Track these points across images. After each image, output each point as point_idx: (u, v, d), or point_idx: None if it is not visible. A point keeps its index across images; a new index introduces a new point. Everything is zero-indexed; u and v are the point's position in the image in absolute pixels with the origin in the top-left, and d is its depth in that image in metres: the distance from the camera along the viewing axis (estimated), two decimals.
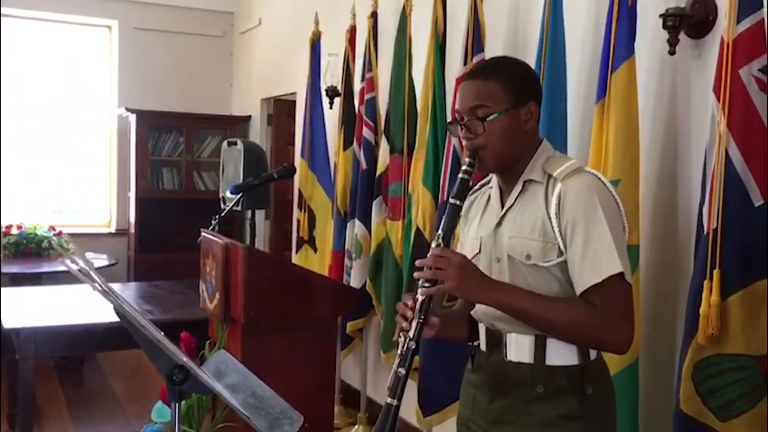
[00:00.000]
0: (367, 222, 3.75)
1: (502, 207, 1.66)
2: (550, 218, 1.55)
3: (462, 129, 1.62)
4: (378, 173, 3.67)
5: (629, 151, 2.27)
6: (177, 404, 1.25)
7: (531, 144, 1.65)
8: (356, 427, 4.01)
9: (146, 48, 6.49)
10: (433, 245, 1.56)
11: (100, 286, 1.16)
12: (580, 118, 2.65)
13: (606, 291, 1.49)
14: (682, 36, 2.27)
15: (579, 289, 1.52)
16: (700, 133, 2.25)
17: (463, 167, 1.61)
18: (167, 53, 6.57)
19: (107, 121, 6.61)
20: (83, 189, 6.64)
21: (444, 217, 1.59)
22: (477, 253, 1.67)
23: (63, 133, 6.46)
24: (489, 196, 1.73)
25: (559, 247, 1.54)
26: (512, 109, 1.59)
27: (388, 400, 1.51)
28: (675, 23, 2.24)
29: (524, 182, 1.62)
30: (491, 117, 1.57)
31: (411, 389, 3.21)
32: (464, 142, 1.64)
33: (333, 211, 4.15)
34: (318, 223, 4.34)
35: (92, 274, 1.16)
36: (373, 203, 3.68)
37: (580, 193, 1.53)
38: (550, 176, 1.58)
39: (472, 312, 1.73)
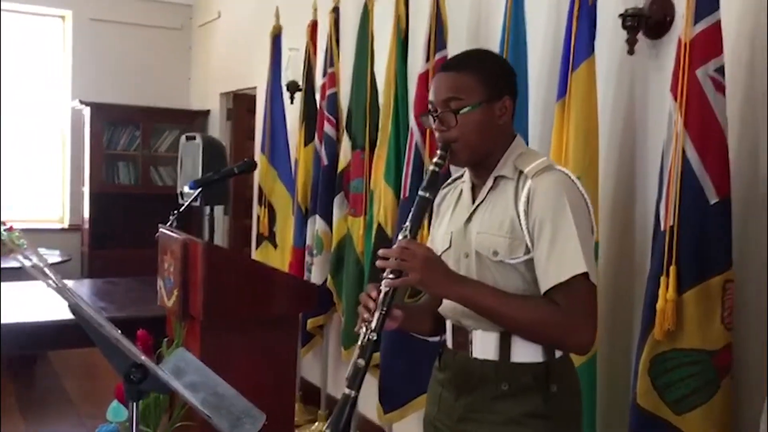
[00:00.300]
0: (328, 218, 3.73)
1: (473, 202, 1.64)
2: (518, 215, 1.54)
3: (435, 121, 1.59)
4: (339, 169, 3.66)
5: (589, 149, 2.29)
6: (135, 404, 1.22)
7: (504, 139, 1.63)
8: (316, 424, 3.99)
9: (102, 39, 6.35)
10: (400, 237, 1.53)
11: (55, 283, 1.13)
12: (541, 116, 2.68)
13: (570, 291, 1.49)
14: (640, 36, 2.30)
15: (543, 287, 1.52)
16: (658, 132, 2.29)
17: (434, 159, 1.58)
18: (123, 45, 6.44)
19: (60, 113, 6.44)
20: (35, 183, 6.47)
21: (412, 209, 1.57)
22: (447, 248, 1.66)
23: (13, 125, 6.27)
24: (461, 191, 1.71)
25: (527, 245, 1.53)
26: (486, 103, 1.57)
27: (346, 390, 1.48)
28: (634, 23, 2.27)
29: (495, 178, 1.61)
30: (464, 110, 1.55)
31: (372, 385, 3.22)
32: (436, 134, 1.61)
33: (294, 207, 4.12)
34: (278, 219, 4.30)
35: (46, 270, 1.12)
36: (335, 199, 3.66)
37: (549, 192, 1.52)
38: (521, 173, 1.57)
39: (439, 309, 1.71)
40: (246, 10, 5.59)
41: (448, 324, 1.69)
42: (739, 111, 2.07)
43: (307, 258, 3.91)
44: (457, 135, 1.57)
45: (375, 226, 3.24)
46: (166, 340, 2.72)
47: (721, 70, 1.96)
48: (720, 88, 1.96)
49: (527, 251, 1.53)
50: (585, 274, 1.49)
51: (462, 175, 1.75)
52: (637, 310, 2.21)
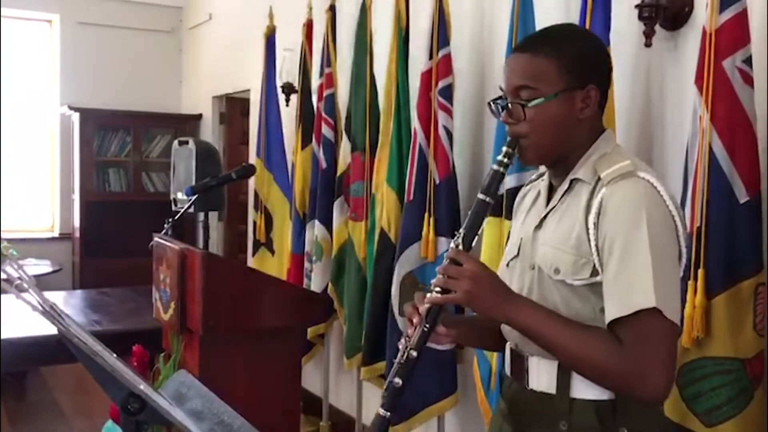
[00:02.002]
0: (328, 223, 3.61)
1: (547, 206, 1.42)
2: (587, 229, 1.29)
3: (502, 111, 1.38)
4: (339, 172, 3.54)
5: None
6: None
7: (587, 135, 1.37)
8: None
9: (90, 44, 6.22)
10: (452, 245, 1.34)
11: (41, 305, 1.00)
12: None
13: (637, 327, 1.23)
14: (657, 27, 2.20)
15: (606, 319, 1.27)
16: (677, 127, 2.19)
17: (498, 157, 1.36)
18: (112, 49, 6.30)
19: (49, 119, 6.30)
20: (23, 191, 6.31)
21: (469, 213, 1.36)
22: (515, 257, 1.44)
23: (1, 133, 6.12)
24: (539, 191, 1.48)
25: (594, 265, 1.28)
26: (564, 93, 1.32)
27: (381, 411, 1.32)
28: (650, 14, 2.16)
29: (571, 180, 1.37)
30: (535, 102, 1.32)
31: (378, 396, 3.10)
32: (506, 127, 1.39)
33: (291, 212, 4.00)
34: (275, 225, 4.18)
35: (32, 292, 1.00)
36: (335, 204, 3.54)
37: (624, 204, 1.26)
38: (599, 178, 1.31)
39: (501, 326, 1.49)
40: (238, 11, 5.47)
41: (507, 347, 1.47)
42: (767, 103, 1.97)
43: (307, 265, 3.79)
44: (526, 130, 1.34)
45: (377, 231, 3.12)
46: (163, 354, 2.59)
47: (748, 61, 1.86)
48: (748, 79, 1.85)
49: (594, 273, 1.29)
50: (654, 310, 1.21)
51: (545, 173, 1.50)
52: None
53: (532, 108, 1.32)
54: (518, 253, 1.44)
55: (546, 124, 1.33)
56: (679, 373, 1.92)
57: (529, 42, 1.40)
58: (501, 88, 1.39)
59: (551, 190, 1.43)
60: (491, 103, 1.41)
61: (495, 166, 1.36)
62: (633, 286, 1.23)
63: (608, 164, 1.32)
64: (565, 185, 1.38)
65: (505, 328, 1.46)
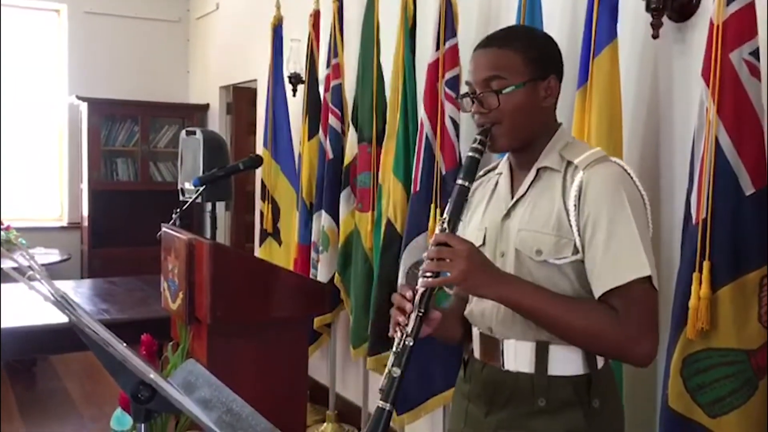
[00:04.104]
0: (334, 213, 3.62)
1: (512, 196, 1.50)
2: (567, 211, 1.39)
3: (473, 102, 1.46)
4: (346, 163, 3.54)
5: (612, 138, 2.18)
6: (143, 425, 1.11)
7: (548, 125, 1.49)
8: (324, 425, 3.90)
9: (98, 33, 6.23)
10: (437, 230, 1.40)
11: (53, 296, 1.02)
12: (558, 106, 2.56)
13: (630, 296, 1.34)
14: (664, 19, 2.19)
15: (599, 290, 1.36)
16: (684, 119, 2.19)
17: (473, 145, 1.44)
18: (120, 39, 6.31)
19: (57, 109, 6.32)
20: (32, 181, 6.35)
21: (450, 199, 1.43)
22: (480, 246, 1.50)
23: (9, 122, 6.15)
24: (497, 183, 1.56)
25: (575, 244, 1.38)
26: (531, 83, 1.43)
27: (380, 403, 1.33)
28: (658, 5, 2.15)
29: (538, 169, 1.46)
30: (507, 90, 1.42)
31: None
32: (475, 117, 1.47)
33: (298, 202, 4.01)
34: (282, 215, 4.20)
35: (43, 282, 1.01)
36: (341, 194, 3.55)
37: (605, 186, 1.37)
38: (569, 163, 1.42)
39: (466, 314, 1.57)
40: (245, 1, 5.47)
41: (475, 332, 1.55)
42: None
43: (313, 255, 3.81)
44: (498, 118, 1.43)
45: (384, 221, 3.14)
46: (171, 343, 2.62)
47: (755, 53, 1.85)
48: (755, 72, 1.85)
49: (575, 251, 1.38)
50: (647, 278, 1.35)
51: (496, 167, 1.61)
52: (665, 308, 2.10)
53: (504, 95, 1.42)
54: (484, 242, 1.51)
55: (516, 110, 1.43)
56: (683, 364, 1.93)
57: (494, 38, 1.49)
58: (468, 83, 1.48)
59: (513, 181, 1.53)
60: (457, 98, 1.49)
61: (471, 153, 1.45)
62: (625, 257, 1.34)
63: (577, 152, 1.44)
64: (531, 175, 1.47)
65: (474, 314, 1.52)
